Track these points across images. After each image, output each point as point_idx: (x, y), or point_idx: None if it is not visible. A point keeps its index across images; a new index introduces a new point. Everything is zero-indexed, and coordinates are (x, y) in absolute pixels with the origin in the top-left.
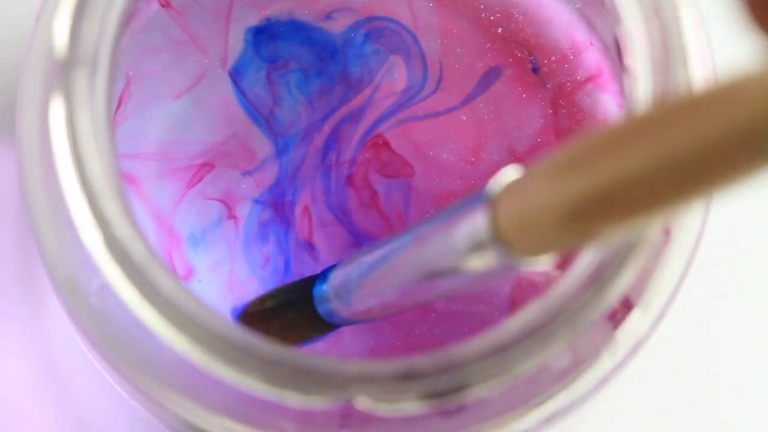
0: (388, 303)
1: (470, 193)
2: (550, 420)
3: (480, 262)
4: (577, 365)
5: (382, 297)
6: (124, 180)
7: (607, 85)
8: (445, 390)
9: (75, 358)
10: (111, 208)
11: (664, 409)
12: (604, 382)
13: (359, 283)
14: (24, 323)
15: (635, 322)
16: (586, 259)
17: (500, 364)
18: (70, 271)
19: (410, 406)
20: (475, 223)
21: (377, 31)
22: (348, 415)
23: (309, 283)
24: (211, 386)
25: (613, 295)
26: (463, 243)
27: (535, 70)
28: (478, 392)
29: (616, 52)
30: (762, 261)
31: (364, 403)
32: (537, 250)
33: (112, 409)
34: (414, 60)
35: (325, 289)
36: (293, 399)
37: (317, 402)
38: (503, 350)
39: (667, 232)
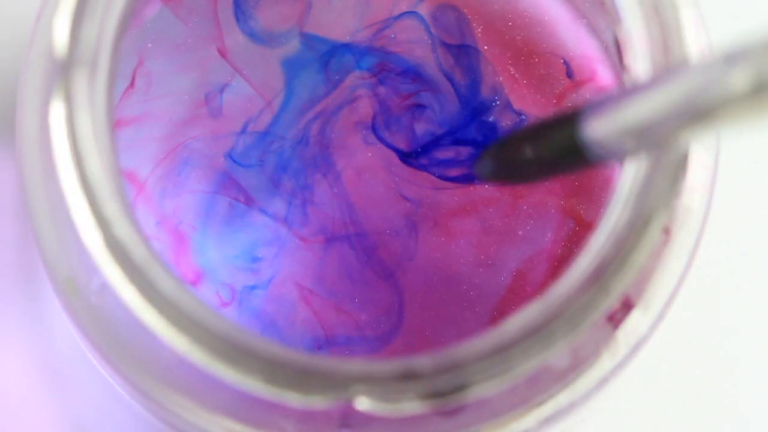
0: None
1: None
2: (550, 420)
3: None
4: (577, 365)
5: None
6: (126, 179)
7: (607, 85)
8: (445, 390)
9: (75, 358)
10: (111, 208)
11: (664, 409)
12: (604, 382)
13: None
14: (24, 323)
15: (635, 322)
16: (586, 259)
17: (500, 364)
18: (70, 271)
19: (410, 406)
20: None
21: None
22: (348, 415)
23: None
24: (211, 386)
25: (613, 295)
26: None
27: (569, 74)
28: (478, 392)
29: (616, 52)
30: (762, 261)
31: (364, 403)
32: None
33: (112, 409)
34: None
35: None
36: (293, 399)
37: (317, 402)
38: (503, 350)
39: (667, 232)
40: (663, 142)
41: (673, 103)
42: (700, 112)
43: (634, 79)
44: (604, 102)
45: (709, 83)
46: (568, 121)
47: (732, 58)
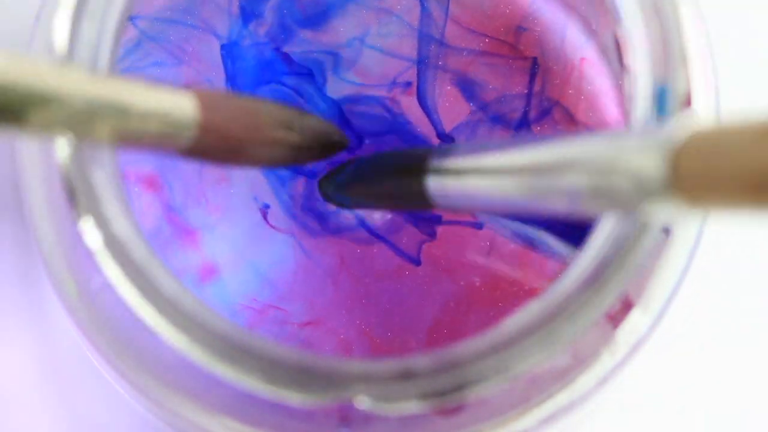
0: (487, 207)
1: (627, 128)
2: (550, 420)
3: (632, 199)
4: (577, 365)
5: (485, 201)
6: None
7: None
8: (445, 390)
9: (75, 358)
10: (111, 208)
11: (664, 409)
12: (604, 381)
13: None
14: (24, 323)
15: (635, 322)
16: (586, 259)
17: (500, 364)
18: (70, 271)
19: (410, 405)
20: (641, 161)
21: None
22: (348, 414)
23: (423, 154)
24: (211, 386)
25: (613, 295)
26: (621, 177)
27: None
28: (477, 392)
29: (616, 52)
30: (762, 261)
31: (363, 402)
32: (702, 203)
33: (112, 409)
34: None
35: (434, 166)
36: (293, 399)
37: (317, 402)
38: (503, 350)
39: (667, 232)
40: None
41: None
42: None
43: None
44: (453, 154)
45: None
46: (416, 163)
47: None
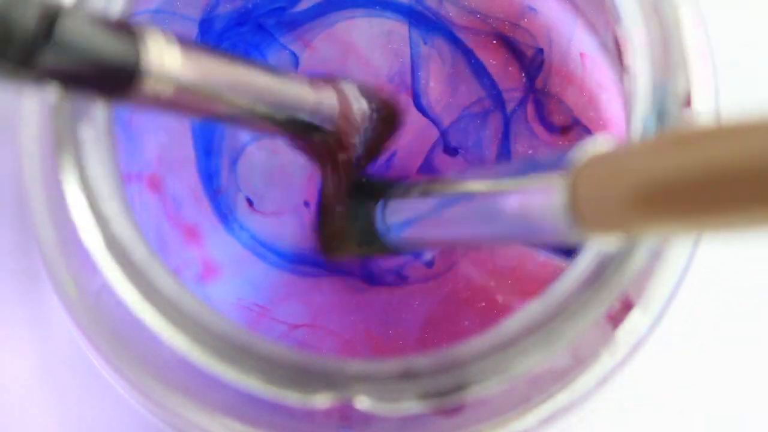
0: (437, 242)
1: (550, 156)
2: (550, 420)
3: (549, 227)
4: (577, 365)
5: (433, 236)
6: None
7: (607, 84)
8: (445, 390)
9: (75, 358)
10: (111, 208)
11: (663, 409)
12: (603, 382)
13: (414, 219)
14: (24, 323)
15: (635, 322)
16: (586, 259)
17: (500, 364)
18: (70, 271)
19: (410, 405)
20: (551, 189)
21: None
22: (348, 414)
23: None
24: (211, 386)
25: (613, 295)
26: (535, 206)
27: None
28: (477, 392)
29: (616, 51)
30: (762, 261)
31: (364, 402)
32: (603, 227)
33: (112, 409)
34: None
35: (380, 210)
36: (293, 399)
37: (317, 402)
38: (503, 350)
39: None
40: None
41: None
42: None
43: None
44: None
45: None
46: (368, 208)
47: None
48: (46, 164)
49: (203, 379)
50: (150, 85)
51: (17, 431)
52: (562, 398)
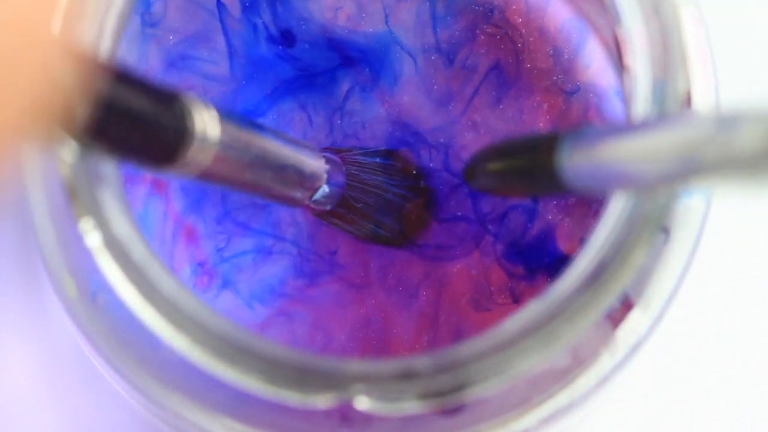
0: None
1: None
2: (550, 420)
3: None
4: (577, 365)
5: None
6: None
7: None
8: (445, 390)
9: (75, 358)
10: (111, 208)
11: (663, 409)
12: (603, 381)
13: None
14: (24, 323)
15: (635, 322)
16: (586, 259)
17: (500, 364)
18: (70, 271)
19: (410, 405)
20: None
21: None
22: (348, 414)
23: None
24: (211, 386)
25: (613, 295)
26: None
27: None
28: (478, 392)
29: (616, 51)
30: (762, 261)
31: (363, 402)
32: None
33: (112, 409)
34: None
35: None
36: (293, 399)
37: (317, 402)
38: (503, 350)
39: (666, 233)
40: (644, 189)
41: (665, 154)
42: (694, 169)
43: (626, 119)
44: (587, 135)
45: (710, 141)
46: (547, 146)
47: (736, 119)
48: (47, 165)
49: (203, 379)
50: (193, 154)
51: (17, 431)
52: (562, 398)
